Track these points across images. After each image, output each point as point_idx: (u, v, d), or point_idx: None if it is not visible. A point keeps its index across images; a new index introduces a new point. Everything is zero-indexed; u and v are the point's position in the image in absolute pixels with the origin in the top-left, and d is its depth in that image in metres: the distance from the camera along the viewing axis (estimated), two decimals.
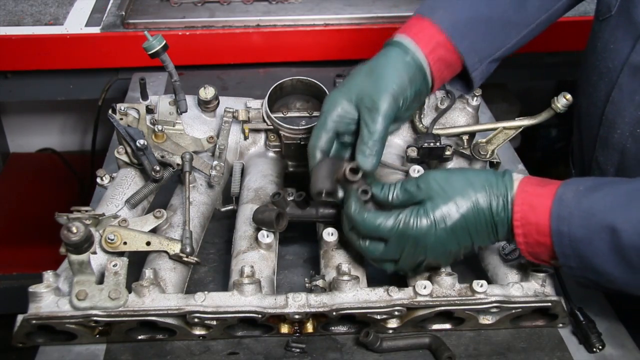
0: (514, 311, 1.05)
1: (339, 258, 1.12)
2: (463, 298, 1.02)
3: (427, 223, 0.97)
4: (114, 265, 1.01)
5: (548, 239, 0.94)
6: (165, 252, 1.10)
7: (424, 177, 1.02)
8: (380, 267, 1.06)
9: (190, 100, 1.32)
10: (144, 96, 1.32)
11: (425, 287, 1.02)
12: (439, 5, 1.19)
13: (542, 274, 1.05)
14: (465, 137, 1.30)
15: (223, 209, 1.27)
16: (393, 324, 1.07)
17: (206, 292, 1.02)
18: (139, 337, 1.08)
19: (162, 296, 1.02)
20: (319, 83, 1.34)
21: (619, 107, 1.15)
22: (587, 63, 1.25)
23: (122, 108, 1.28)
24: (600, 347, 1.07)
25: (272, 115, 1.30)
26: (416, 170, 1.20)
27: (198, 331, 1.07)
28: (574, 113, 1.35)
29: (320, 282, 1.07)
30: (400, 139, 1.36)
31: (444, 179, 1.00)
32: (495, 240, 1.01)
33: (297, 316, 1.03)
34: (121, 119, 1.27)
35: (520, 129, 1.26)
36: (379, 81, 1.09)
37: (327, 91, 1.32)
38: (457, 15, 1.18)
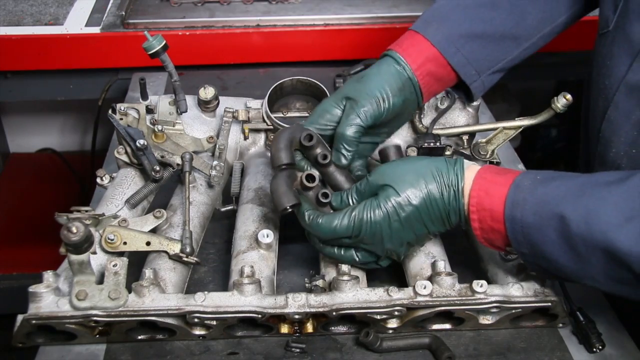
0: (514, 311, 1.05)
1: None
2: (463, 298, 1.02)
3: (381, 215, 0.99)
4: (114, 265, 1.01)
5: (502, 226, 0.96)
6: (165, 252, 1.10)
7: (376, 170, 1.04)
8: (341, 261, 1.07)
9: (190, 100, 1.32)
10: (144, 96, 1.32)
11: (425, 287, 1.02)
12: (432, 20, 1.20)
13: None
14: (465, 137, 1.30)
15: (223, 209, 1.27)
16: (393, 324, 1.07)
17: (206, 292, 1.02)
18: (139, 337, 1.08)
19: (162, 296, 1.02)
20: (318, 83, 1.34)
21: (614, 126, 1.13)
22: (590, 76, 1.23)
23: (122, 108, 1.28)
24: (600, 347, 1.07)
25: (272, 115, 1.30)
26: None
27: (198, 331, 1.07)
28: (580, 123, 1.33)
29: (320, 282, 1.07)
30: (400, 139, 1.36)
31: (394, 171, 1.02)
32: (450, 227, 1.03)
33: (297, 316, 1.03)
34: (121, 119, 1.27)
35: (520, 129, 1.26)
36: (364, 85, 1.13)
37: (327, 91, 1.32)
38: (450, 30, 1.19)
